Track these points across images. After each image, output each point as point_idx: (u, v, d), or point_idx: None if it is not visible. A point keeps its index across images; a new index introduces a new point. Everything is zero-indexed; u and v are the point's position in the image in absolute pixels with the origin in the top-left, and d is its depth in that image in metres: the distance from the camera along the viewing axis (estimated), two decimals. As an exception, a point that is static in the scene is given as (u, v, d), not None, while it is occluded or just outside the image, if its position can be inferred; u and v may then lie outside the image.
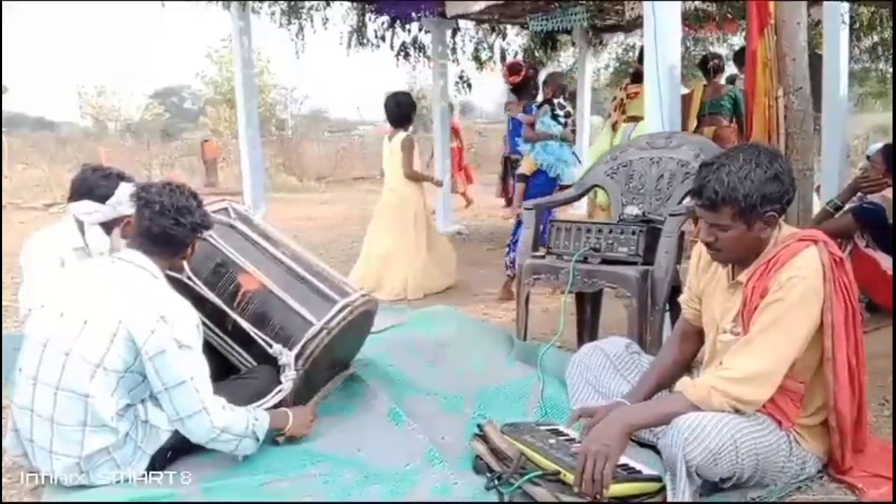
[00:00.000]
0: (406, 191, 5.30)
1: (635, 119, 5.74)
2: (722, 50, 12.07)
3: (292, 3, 8.13)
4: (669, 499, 2.03)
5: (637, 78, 5.96)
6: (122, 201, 2.87)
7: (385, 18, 8.69)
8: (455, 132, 10.67)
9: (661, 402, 2.28)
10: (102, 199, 2.91)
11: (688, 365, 2.54)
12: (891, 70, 11.76)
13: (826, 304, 2.11)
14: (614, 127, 5.97)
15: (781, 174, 2.11)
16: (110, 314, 2.26)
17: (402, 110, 5.42)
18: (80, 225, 2.97)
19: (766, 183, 2.08)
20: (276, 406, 2.58)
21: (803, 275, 2.08)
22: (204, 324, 2.68)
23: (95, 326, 2.26)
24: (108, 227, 2.97)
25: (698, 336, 2.52)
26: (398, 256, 5.18)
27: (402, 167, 5.27)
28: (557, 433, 2.40)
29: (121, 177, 2.98)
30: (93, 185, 2.95)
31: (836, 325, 2.13)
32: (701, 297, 2.44)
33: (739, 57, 6.73)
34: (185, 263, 2.66)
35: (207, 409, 2.29)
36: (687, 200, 3.30)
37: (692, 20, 8.16)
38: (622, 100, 6.01)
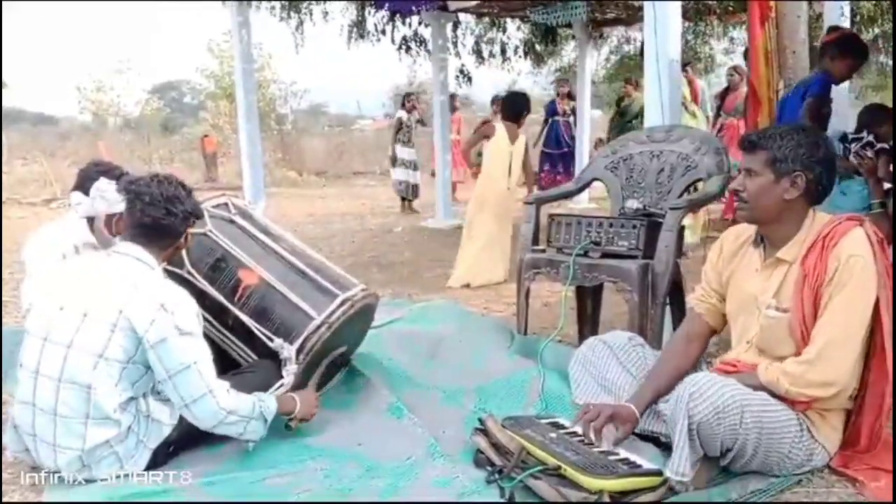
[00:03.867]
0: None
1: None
2: (722, 44, 12.10)
3: (291, -1, 8.14)
4: (669, 465, 2.06)
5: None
6: (96, 197, 2.86)
7: (385, 12, 8.69)
8: (458, 125, 10.65)
9: (741, 375, 2.27)
10: (89, 192, 2.91)
11: (697, 362, 2.55)
12: (891, 63, 11.75)
13: (880, 280, 2.18)
14: (695, 115, 6.61)
15: (820, 144, 2.27)
16: (110, 305, 2.27)
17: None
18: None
19: (803, 144, 2.24)
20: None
21: (860, 253, 2.17)
22: (205, 318, 2.68)
23: (95, 318, 2.26)
24: (91, 224, 2.95)
25: (707, 334, 2.56)
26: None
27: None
28: (558, 426, 2.40)
29: (118, 175, 2.96)
30: (86, 177, 2.96)
31: (889, 300, 2.20)
32: (724, 288, 2.47)
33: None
34: (184, 256, 2.67)
35: (213, 391, 2.30)
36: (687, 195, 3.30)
37: (692, 14, 8.18)
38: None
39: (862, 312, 2.16)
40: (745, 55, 7.30)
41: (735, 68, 8.52)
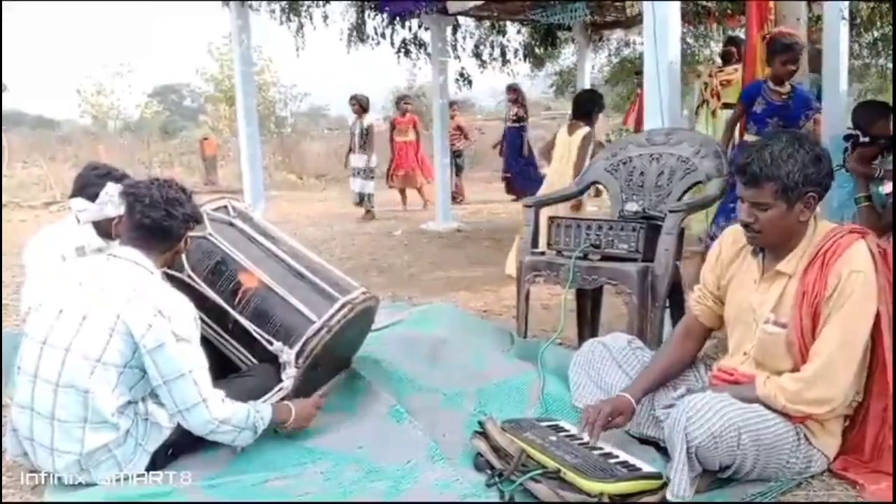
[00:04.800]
0: None
1: (730, 106, 6.10)
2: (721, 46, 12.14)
3: (292, 0, 8.14)
4: (669, 487, 2.04)
5: (726, 61, 6.28)
6: (105, 202, 2.87)
7: (384, 15, 8.70)
8: (414, 125, 10.39)
9: (738, 388, 2.27)
10: (93, 197, 2.91)
11: (691, 362, 2.55)
12: (891, 66, 11.75)
13: (881, 295, 2.16)
14: (714, 114, 6.30)
15: (822, 157, 2.18)
16: (108, 310, 2.27)
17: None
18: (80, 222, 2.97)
19: (808, 163, 2.15)
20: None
21: (860, 268, 2.13)
22: (204, 322, 2.69)
23: (93, 322, 2.26)
24: (99, 227, 2.96)
25: (703, 334, 2.55)
26: None
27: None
28: (558, 429, 2.40)
29: (118, 178, 2.96)
30: (86, 182, 2.95)
31: (891, 314, 2.18)
32: (721, 294, 2.45)
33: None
34: (183, 259, 2.67)
35: (206, 401, 2.30)
36: (686, 197, 3.30)
37: (692, 16, 8.19)
38: (715, 87, 6.35)
39: (862, 330, 2.15)
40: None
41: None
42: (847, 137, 3.93)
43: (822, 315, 2.15)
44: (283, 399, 2.60)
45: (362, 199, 9.51)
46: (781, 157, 2.14)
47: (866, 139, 3.74)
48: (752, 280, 2.34)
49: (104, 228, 2.94)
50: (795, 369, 2.20)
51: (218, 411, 2.32)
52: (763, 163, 2.15)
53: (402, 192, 10.36)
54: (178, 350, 2.27)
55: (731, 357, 2.42)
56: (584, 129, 5.33)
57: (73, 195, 2.97)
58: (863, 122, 3.84)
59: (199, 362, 2.33)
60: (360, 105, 9.36)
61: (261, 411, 2.43)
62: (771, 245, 2.28)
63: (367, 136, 9.28)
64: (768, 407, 2.16)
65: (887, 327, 2.18)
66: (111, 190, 2.86)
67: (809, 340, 2.18)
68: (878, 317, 2.17)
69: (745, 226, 2.25)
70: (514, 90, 10.81)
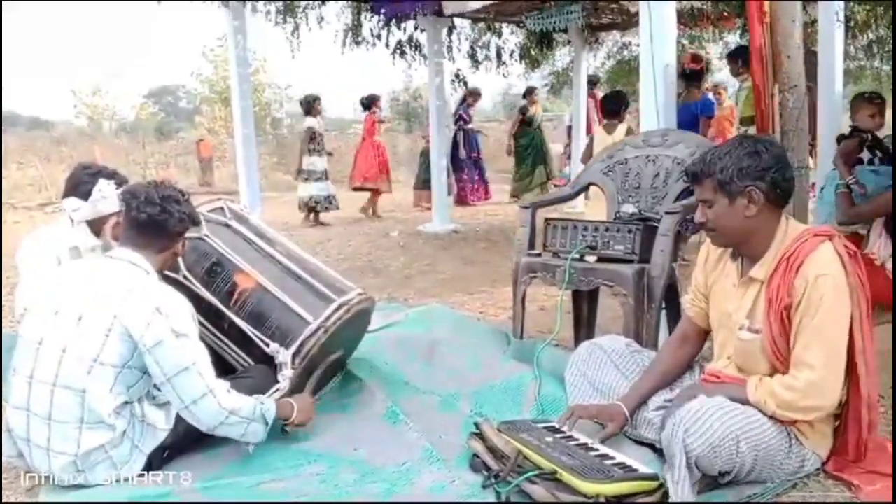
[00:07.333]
0: None
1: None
2: (717, 48, 12.16)
3: (287, 1, 8.13)
4: (670, 493, 2.04)
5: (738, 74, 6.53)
6: (98, 199, 2.88)
7: (381, 17, 8.70)
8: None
9: (730, 387, 2.27)
10: (85, 195, 2.92)
11: (688, 366, 2.56)
12: (886, 68, 11.79)
13: (853, 296, 2.15)
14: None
15: (762, 152, 2.21)
16: (104, 310, 2.27)
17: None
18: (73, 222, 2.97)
19: (743, 157, 2.20)
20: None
21: (827, 271, 2.12)
22: (200, 323, 2.68)
23: (90, 323, 2.26)
24: (93, 226, 2.96)
25: (700, 337, 2.56)
26: None
27: None
28: (554, 431, 2.40)
29: (109, 175, 2.97)
30: (78, 181, 2.96)
31: (864, 316, 2.18)
32: (708, 295, 2.47)
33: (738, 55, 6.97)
34: (180, 261, 2.67)
35: (213, 391, 2.30)
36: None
37: (687, 18, 8.19)
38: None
39: (843, 334, 2.14)
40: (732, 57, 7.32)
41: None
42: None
43: (793, 320, 2.14)
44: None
45: (329, 201, 9.34)
46: (718, 155, 2.24)
47: (851, 129, 3.87)
48: (731, 285, 2.36)
49: (98, 227, 2.94)
50: (774, 370, 2.21)
51: (226, 401, 2.32)
52: (703, 162, 2.26)
53: (376, 194, 9.97)
54: (178, 345, 2.27)
55: (717, 360, 2.43)
56: (623, 127, 5.75)
57: (66, 195, 2.97)
58: (851, 110, 3.98)
59: (201, 356, 2.34)
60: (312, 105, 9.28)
61: (265, 403, 2.44)
62: (731, 245, 2.34)
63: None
64: (760, 410, 2.16)
65: (858, 331, 2.16)
66: (104, 187, 2.86)
67: (783, 346, 2.18)
68: (860, 320, 2.16)
69: (701, 225, 2.32)
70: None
